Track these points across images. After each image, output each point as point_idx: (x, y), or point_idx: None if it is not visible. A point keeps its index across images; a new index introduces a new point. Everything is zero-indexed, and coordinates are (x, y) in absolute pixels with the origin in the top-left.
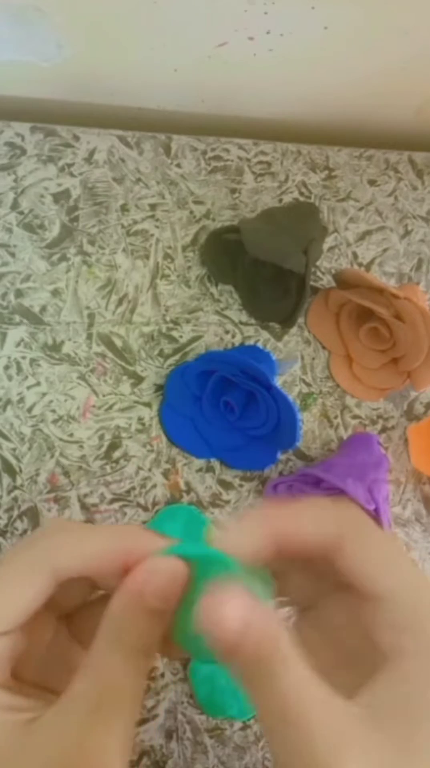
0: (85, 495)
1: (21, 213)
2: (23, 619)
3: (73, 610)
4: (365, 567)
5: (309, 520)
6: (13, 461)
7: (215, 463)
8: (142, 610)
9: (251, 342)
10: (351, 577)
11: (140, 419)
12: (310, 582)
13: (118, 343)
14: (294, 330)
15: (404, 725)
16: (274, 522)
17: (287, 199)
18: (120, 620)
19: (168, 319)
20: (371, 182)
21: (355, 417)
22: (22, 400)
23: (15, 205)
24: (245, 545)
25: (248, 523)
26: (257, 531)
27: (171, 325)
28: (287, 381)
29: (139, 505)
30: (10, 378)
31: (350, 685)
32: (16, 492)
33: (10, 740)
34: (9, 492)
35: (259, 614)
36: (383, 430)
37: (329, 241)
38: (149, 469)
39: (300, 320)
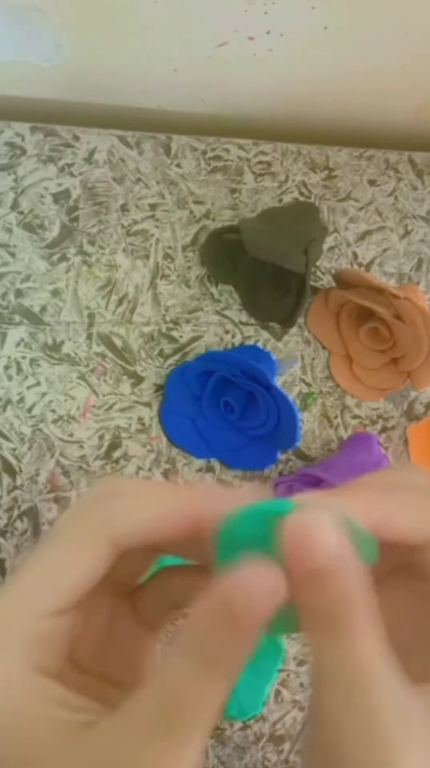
0: None
1: (21, 213)
2: (80, 596)
3: (135, 584)
4: None
5: (413, 513)
6: (13, 461)
7: (215, 463)
8: (230, 628)
9: (251, 342)
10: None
11: (140, 419)
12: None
13: (118, 343)
14: (294, 330)
15: None
16: (375, 508)
17: (287, 199)
18: (203, 633)
19: (168, 319)
20: (371, 182)
21: (355, 417)
22: (22, 400)
23: (15, 205)
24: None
25: (360, 498)
26: (366, 509)
27: (171, 325)
28: (287, 381)
29: None
30: (10, 378)
31: (411, 674)
32: (16, 492)
33: (62, 743)
34: (9, 492)
35: (353, 556)
36: (383, 430)
37: (329, 241)
38: (149, 469)
39: (300, 320)
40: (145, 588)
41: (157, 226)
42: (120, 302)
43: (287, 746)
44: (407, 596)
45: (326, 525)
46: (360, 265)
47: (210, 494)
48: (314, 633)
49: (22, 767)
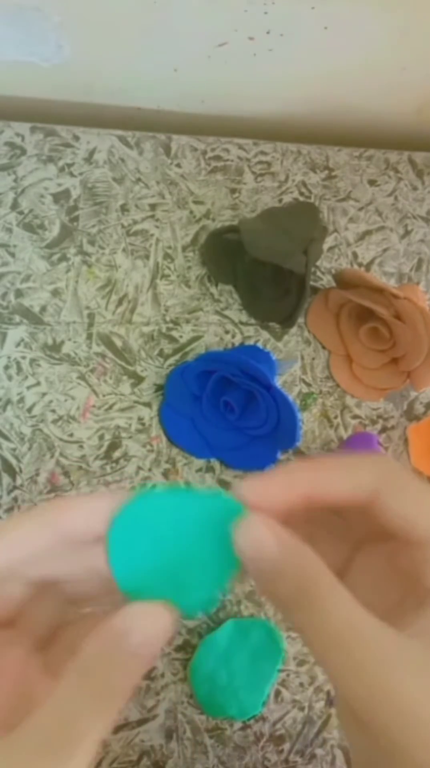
0: None
1: (21, 213)
2: (27, 564)
3: (48, 634)
4: (405, 514)
5: (344, 474)
6: (13, 461)
7: (215, 463)
8: (122, 654)
9: (251, 342)
10: (391, 526)
11: (140, 419)
12: (340, 542)
13: (118, 343)
14: (294, 330)
15: None
16: (306, 476)
17: (287, 199)
18: (96, 659)
19: (168, 319)
20: (371, 182)
21: (355, 417)
22: (22, 400)
23: (15, 205)
24: (273, 497)
25: (279, 477)
26: (288, 484)
27: (171, 325)
28: (287, 381)
29: None
30: (10, 378)
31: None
32: (16, 492)
33: None
34: (9, 492)
35: (294, 539)
36: (383, 430)
37: (329, 241)
38: (149, 469)
39: (300, 320)
40: (57, 637)
41: (157, 226)
42: (120, 302)
43: (287, 746)
44: (381, 562)
45: (265, 526)
46: (360, 265)
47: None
48: (290, 608)
49: None
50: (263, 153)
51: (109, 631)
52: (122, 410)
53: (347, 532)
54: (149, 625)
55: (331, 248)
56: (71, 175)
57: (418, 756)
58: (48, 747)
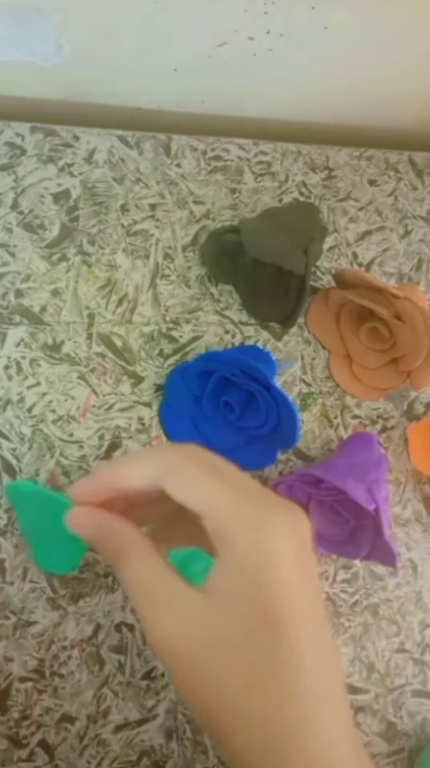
0: None
1: (21, 213)
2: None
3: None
4: (180, 495)
5: (132, 467)
6: (13, 461)
7: None
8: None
9: (251, 342)
10: (180, 504)
11: (140, 419)
12: (162, 509)
13: (118, 343)
14: (294, 330)
15: (221, 594)
16: (105, 473)
17: (287, 199)
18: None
19: (168, 319)
20: (371, 182)
21: (355, 417)
22: (22, 400)
23: (15, 205)
24: (87, 493)
25: (90, 478)
26: (95, 482)
27: (171, 325)
28: (287, 381)
29: None
30: (10, 378)
31: None
32: None
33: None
34: None
35: (104, 517)
36: (383, 430)
37: (329, 241)
38: None
39: (300, 320)
40: None
41: (157, 226)
42: (120, 302)
43: None
44: (183, 529)
45: (80, 513)
46: (360, 265)
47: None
48: (113, 568)
49: None
50: (263, 153)
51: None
52: (122, 410)
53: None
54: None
55: (331, 248)
56: (71, 175)
57: (177, 675)
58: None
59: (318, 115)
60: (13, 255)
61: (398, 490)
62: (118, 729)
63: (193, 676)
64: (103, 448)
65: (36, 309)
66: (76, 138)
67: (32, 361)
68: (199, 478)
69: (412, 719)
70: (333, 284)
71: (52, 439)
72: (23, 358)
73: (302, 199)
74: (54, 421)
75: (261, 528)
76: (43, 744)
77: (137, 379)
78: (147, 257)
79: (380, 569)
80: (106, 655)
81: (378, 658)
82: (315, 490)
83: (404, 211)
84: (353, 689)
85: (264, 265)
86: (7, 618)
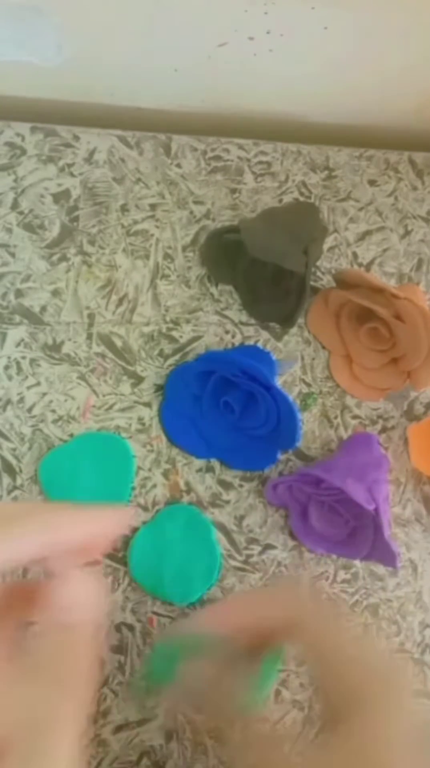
0: None
1: (21, 213)
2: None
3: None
4: (310, 650)
5: (264, 613)
6: (13, 461)
7: (215, 463)
8: (73, 630)
9: (251, 342)
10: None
11: (140, 419)
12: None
13: (118, 343)
14: (294, 330)
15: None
16: (234, 619)
17: (287, 199)
18: (52, 648)
19: (168, 319)
20: (371, 182)
21: (355, 417)
22: (22, 400)
23: (15, 205)
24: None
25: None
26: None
27: (171, 325)
28: (287, 381)
29: (139, 505)
30: (10, 378)
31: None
32: (16, 492)
33: None
34: (9, 492)
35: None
36: (383, 430)
37: (329, 241)
38: (149, 469)
39: (300, 320)
40: None
41: (157, 226)
42: (120, 302)
43: (286, 746)
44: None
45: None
46: (360, 265)
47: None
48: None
49: None
50: (263, 153)
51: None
52: (122, 410)
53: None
54: (80, 591)
55: (331, 248)
56: (71, 175)
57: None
58: (33, 750)
59: (318, 115)
60: (13, 255)
61: (398, 490)
62: (118, 729)
63: None
64: None
65: (36, 309)
66: (76, 138)
67: (32, 361)
68: (340, 639)
69: None
70: (333, 284)
71: (52, 439)
72: (23, 358)
73: (302, 199)
74: (54, 421)
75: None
76: None
77: (137, 379)
78: (147, 257)
79: (380, 569)
80: (106, 655)
81: None
82: (315, 490)
83: (404, 211)
84: None
85: (264, 265)
86: None
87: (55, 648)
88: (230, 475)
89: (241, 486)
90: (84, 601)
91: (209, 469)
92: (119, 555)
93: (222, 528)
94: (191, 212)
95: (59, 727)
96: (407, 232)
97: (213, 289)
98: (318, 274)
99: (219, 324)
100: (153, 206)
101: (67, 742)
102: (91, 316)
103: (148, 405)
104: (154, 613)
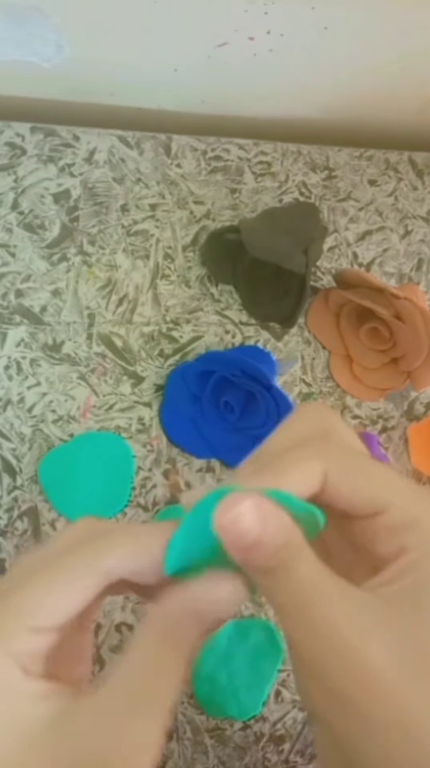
0: None
1: (21, 213)
2: (71, 618)
3: None
4: (351, 494)
5: (299, 478)
6: (13, 461)
7: (215, 463)
8: (196, 622)
9: (251, 342)
10: (340, 505)
11: (140, 419)
12: None
13: (119, 343)
14: (294, 330)
15: (418, 606)
16: (268, 481)
17: (287, 199)
18: (175, 621)
19: (168, 319)
20: (371, 182)
21: (355, 417)
22: (22, 400)
23: (15, 205)
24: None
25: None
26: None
27: (171, 325)
28: (287, 381)
29: (139, 505)
30: (10, 378)
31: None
32: (16, 492)
33: (48, 728)
34: (9, 492)
35: (273, 513)
36: (383, 430)
37: (329, 241)
38: (149, 469)
39: (300, 320)
40: None
41: (157, 226)
42: (120, 302)
43: (287, 746)
44: (331, 527)
45: (244, 514)
46: (360, 265)
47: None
48: (261, 578)
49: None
50: (263, 153)
51: (189, 593)
52: (122, 410)
53: None
54: (224, 590)
55: (331, 248)
56: (71, 175)
57: (365, 707)
58: (137, 703)
59: (318, 115)
60: (13, 255)
61: None
62: None
63: (395, 707)
64: None
65: (36, 309)
66: (77, 138)
67: (32, 361)
68: (378, 473)
69: None
70: (333, 284)
71: (53, 439)
72: (23, 358)
73: (302, 199)
74: (54, 422)
75: None
76: None
77: (137, 379)
78: (147, 257)
79: None
80: (106, 655)
81: None
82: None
83: (404, 211)
84: None
85: (264, 265)
86: None
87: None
88: (230, 475)
89: None
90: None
91: (209, 470)
92: None
93: None
94: (191, 212)
95: (167, 682)
96: (407, 232)
97: (213, 289)
98: (318, 274)
99: (219, 324)
100: (153, 206)
101: (170, 700)
102: (91, 316)
103: (148, 405)
104: None
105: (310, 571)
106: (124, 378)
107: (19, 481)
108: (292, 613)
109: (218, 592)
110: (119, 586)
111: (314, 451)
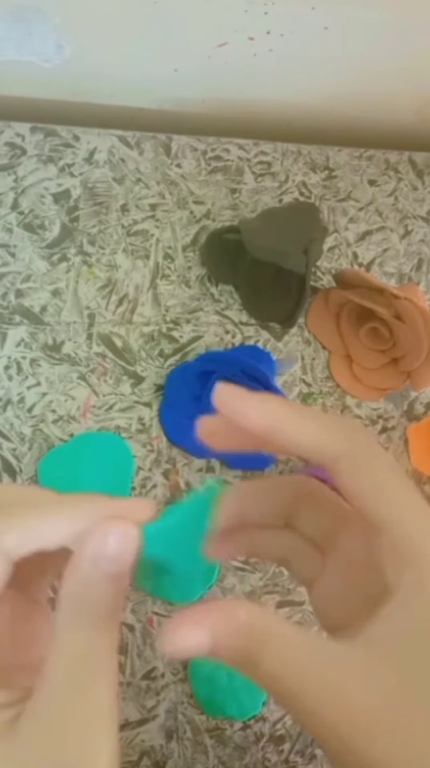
0: None
1: (21, 213)
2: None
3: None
4: (362, 490)
5: (313, 424)
6: (13, 461)
7: (215, 463)
8: (99, 578)
9: (251, 342)
10: (350, 498)
11: (140, 419)
12: (324, 517)
13: (119, 343)
14: (294, 330)
15: (402, 654)
16: (280, 411)
17: (287, 199)
18: (79, 592)
19: (168, 319)
20: (371, 182)
21: (355, 417)
22: (22, 400)
23: (15, 205)
24: (242, 414)
25: (253, 401)
26: (261, 410)
27: (171, 325)
28: (287, 381)
29: None
30: (10, 378)
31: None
32: None
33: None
34: None
35: (221, 621)
36: (383, 430)
37: (329, 241)
38: (149, 469)
39: (300, 320)
40: (27, 564)
41: (157, 226)
42: (120, 302)
43: (287, 746)
44: (359, 545)
45: (187, 625)
46: (360, 265)
47: (97, 508)
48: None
49: None
50: (263, 153)
51: (81, 560)
52: (122, 410)
53: (331, 510)
54: (114, 544)
55: (331, 248)
56: (71, 175)
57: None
58: (75, 690)
59: (318, 115)
60: (13, 255)
61: None
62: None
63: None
64: None
65: (36, 309)
66: (77, 138)
67: (32, 361)
68: (393, 476)
69: None
70: (333, 284)
71: (53, 439)
72: (23, 358)
73: (302, 199)
74: (54, 421)
75: None
76: None
77: (137, 379)
78: (147, 257)
79: None
80: None
81: None
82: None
83: (404, 211)
84: None
85: (264, 265)
86: None
87: (83, 587)
88: (231, 475)
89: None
90: (111, 549)
91: (209, 469)
92: None
93: None
94: (191, 212)
95: (98, 660)
96: (407, 232)
97: (213, 289)
98: (318, 274)
99: (219, 324)
100: (153, 206)
101: (107, 677)
102: (91, 316)
103: (148, 405)
104: (155, 613)
105: (274, 661)
106: (124, 378)
107: (19, 481)
108: (274, 694)
109: (109, 540)
110: (53, 558)
111: (339, 425)
